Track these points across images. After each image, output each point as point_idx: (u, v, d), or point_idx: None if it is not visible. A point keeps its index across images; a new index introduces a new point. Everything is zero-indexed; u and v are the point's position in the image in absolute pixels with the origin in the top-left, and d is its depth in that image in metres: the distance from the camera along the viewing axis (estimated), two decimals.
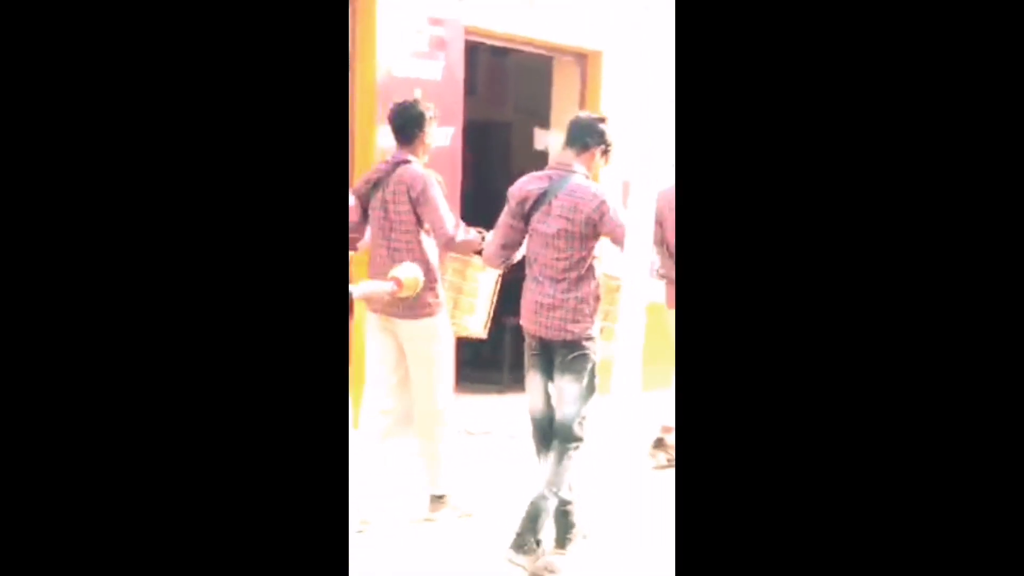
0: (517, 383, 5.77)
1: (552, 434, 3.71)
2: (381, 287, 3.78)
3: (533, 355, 3.78)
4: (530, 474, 3.79)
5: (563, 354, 3.67)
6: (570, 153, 3.77)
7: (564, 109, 6.86)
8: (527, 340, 3.80)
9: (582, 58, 6.78)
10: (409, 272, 3.80)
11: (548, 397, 3.78)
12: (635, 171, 3.66)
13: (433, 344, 4.03)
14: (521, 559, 3.52)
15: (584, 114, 4.13)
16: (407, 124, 4.07)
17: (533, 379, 3.80)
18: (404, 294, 3.81)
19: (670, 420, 4.95)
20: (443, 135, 5.29)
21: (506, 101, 5.47)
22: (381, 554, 3.74)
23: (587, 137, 3.77)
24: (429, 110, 4.11)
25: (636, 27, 3.43)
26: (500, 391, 6.54)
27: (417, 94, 4.84)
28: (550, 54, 6.86)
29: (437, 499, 4.16)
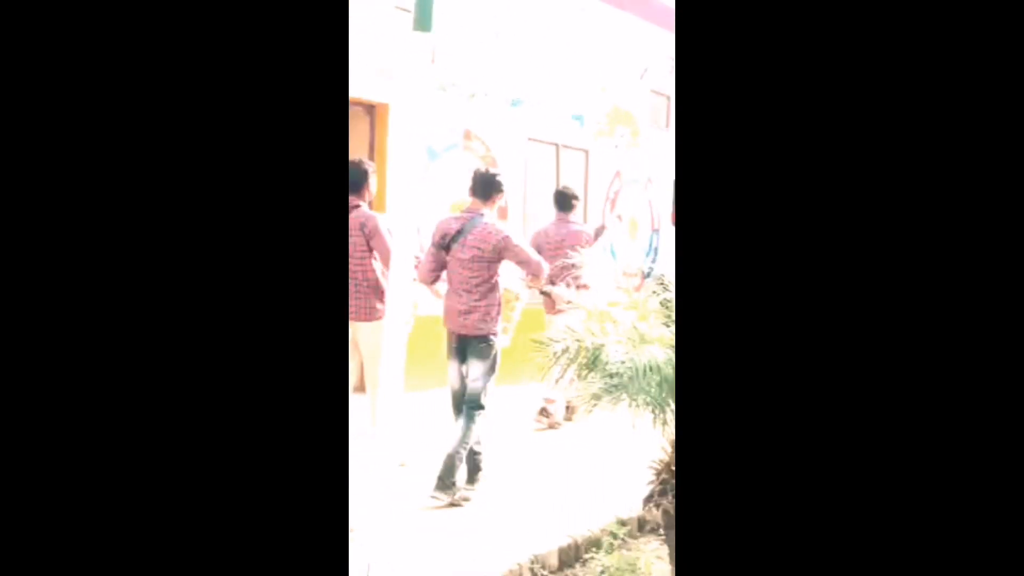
0: None
1: (463, 403, 4.83)
2: None
3: (452, 347, 4.92)
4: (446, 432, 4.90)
5: (474, 344, 4.83)
6: (478, 201, 4.91)
7: (356, 151, 7.39)
8: (448, 336, 4.95)
9: (371, 108, 7.50)
10: None
11: (462, 377, 4.89)
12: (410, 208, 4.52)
13: (380, 339, 4.87)
14: (442, 495, 4.66)
15: (483, 170, 5.15)
16: (355, 178, 4.99)
17: (452, 365, 4.94)
18: None
19: (550, 395, 6.56)
20: None
21: None
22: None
23: (489, 189, 4.93)
24: (370, 167, 5.08)
25: (414, 83, 3.98)
26: None
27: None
28: None
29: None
